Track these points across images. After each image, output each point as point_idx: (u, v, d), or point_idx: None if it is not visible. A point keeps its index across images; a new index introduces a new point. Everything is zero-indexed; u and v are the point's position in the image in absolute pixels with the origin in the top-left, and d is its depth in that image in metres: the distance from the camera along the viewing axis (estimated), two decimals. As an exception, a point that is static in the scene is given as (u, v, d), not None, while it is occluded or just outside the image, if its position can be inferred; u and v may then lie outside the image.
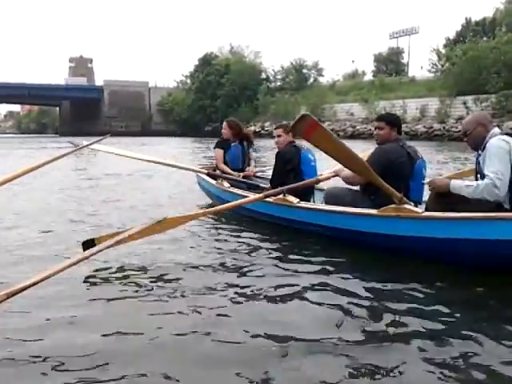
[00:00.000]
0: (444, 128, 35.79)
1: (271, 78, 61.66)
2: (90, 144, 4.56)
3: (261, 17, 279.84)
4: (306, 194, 4.58)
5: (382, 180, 3.50)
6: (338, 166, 4.27)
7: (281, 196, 4.17)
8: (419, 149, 4.02)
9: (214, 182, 5.42)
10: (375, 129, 4.12)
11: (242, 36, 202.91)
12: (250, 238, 4.23)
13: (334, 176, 4.32)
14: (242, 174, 5.60)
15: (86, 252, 2.34)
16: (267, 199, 4.19)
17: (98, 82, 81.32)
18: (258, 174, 6.31)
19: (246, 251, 3.80)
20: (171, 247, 3.88)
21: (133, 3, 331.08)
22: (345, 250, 3.66)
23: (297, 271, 3.25)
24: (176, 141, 36.67)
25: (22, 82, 71.18)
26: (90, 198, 6.77)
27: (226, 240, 4.18)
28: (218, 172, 5.74)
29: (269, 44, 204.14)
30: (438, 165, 12.29)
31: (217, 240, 4.19)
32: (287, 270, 3.29)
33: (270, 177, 6.17)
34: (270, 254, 3.72)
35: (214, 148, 5.95)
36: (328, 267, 3.32)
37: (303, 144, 4.81)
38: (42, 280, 2.02)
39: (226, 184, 5.19)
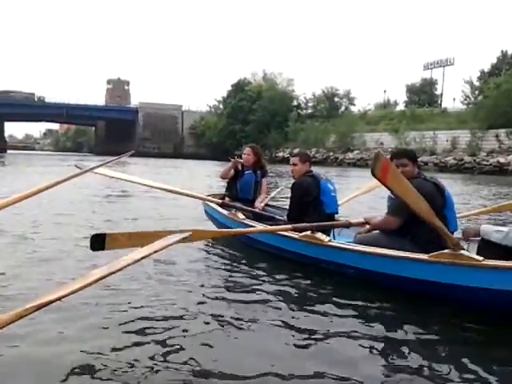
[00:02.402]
0: (475, 161, 35.34)
1: (302, 105, 62.25)
2: (98, 166, 4.19)
3: (295, 45, 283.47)
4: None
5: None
6: (368, 215, 4.08)
7: (308, 233, 3.84)
8: (449, 181, 3.60)
9: (225, 212, 5.02)
10: (399, 166, 3.64)
11: (276, 63, 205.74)
12: (272, 275, 3.84)
13: (364, 223, 4.03)
14: (258, 204, 5.39)
15: (113, 267, 2.32)
16: (291, 235, 3.93)
17: (133, 103, 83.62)
18: (273, 204, 6.06)
19: (263, 287, 3.51)
20: (178, 276, 3.75)
21: (171, 28, 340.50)
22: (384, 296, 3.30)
23: (326, 315, 3.00)
24: (207, 164, 37.17)
25: (60, 102, 73.67)
26: (108, 214, 7.05)
27: (240, 272, 3.97)
28: (227, 199, 5.48)
29: (302, 71, 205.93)
30: (470, 198, 12.10)
31: (229, 271, 4.01)
32: (316, 312, 3.04)
33: (284, 206, 5.78)
34: (295, 293, 3.42)
35: None
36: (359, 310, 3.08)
37: (321, 173, 4.62)
38: (70, 293, 2.09)
39: (240, 215, 4.77)
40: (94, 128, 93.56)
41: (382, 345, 2.59)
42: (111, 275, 2.29)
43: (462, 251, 3.02)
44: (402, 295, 3.26)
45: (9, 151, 73.02)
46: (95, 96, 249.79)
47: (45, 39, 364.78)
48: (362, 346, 2.54)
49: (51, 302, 2.01)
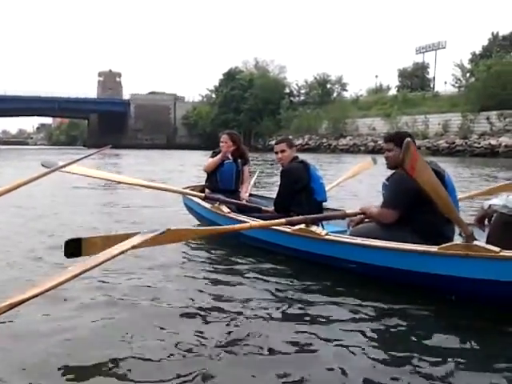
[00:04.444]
0: (466, 143, 35.52)
1: (295, 92, 62.23)
2: (68, 164, 3.96)
3: (286, 32, 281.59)
4: None
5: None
6: (364, 205, 3.86)
7: (302, 226, 3.57)
8: (442, 165, 3.52)
9: (208, 205, 4.68)
10: (384, 151, 3.55)
11: (268, 50, 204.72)
12: (265, 273, 3.59)
13: (360, 214, 3.75)
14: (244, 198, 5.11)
15: (88, 264, 2.28)
16: (283, 228, 3.66)
17: (125, 95, 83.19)
18: (257, 193, 5.85)
19: (254, 286, 3.30)
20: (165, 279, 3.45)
21: (160, 19, 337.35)
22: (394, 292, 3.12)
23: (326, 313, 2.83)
24: (199, 154, 36.95)
25: (51, 96, 73.17)
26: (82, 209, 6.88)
27: (226, 268, 3.77)
28: (207, 191, 5.15)
29: (294, 59, 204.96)
30: (465, 182, 11.95)
31: (214, 267, 3.80)
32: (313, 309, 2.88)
33: (266, 194, 5.68)
34: (294, 292, 3.18)
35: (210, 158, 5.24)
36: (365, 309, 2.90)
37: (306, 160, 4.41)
38: (43, 292, 2.06)
39: (224, 209, 4.45)
40: (86, 121, 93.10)
41: (383, 340, 2.50)
42: (85, 273, 2.25)
43: (476, 242, 2.81)
44: (406, 289, 3.10)
45: (1, 146, 72.47)
46: (87, 89, 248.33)
47: (34, 34, 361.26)
48: (361, 342, 2.43)
49: (24, 300, 1.97)
